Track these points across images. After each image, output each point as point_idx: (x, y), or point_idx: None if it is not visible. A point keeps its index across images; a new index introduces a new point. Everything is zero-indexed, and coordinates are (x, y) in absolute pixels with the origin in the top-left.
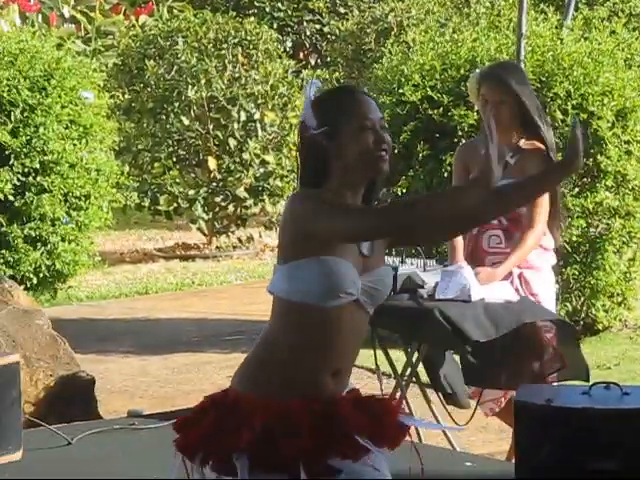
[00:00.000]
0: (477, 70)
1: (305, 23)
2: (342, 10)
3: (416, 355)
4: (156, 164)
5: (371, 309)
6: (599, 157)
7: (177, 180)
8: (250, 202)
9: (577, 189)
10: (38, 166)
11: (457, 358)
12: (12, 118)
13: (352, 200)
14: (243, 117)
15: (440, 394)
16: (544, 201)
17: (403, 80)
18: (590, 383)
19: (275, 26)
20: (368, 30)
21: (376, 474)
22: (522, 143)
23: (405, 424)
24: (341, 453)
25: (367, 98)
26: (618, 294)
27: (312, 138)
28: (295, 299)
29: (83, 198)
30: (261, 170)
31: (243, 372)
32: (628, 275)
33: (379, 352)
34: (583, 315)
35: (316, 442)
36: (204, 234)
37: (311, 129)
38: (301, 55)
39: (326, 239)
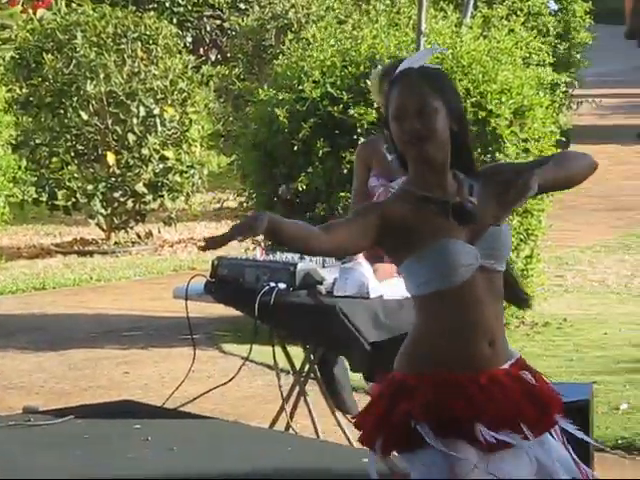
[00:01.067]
0: (379, 66)
1: (205, 19)
2: (242, 6)
3: (314, 352)
4: (54, 159)
5: (501, 266)
6: (497, 155)
7: (75, 175)
8: (149, 198)
9: None
10: None
11: (347, 364)
12: None
13: (438, 182)
14: (142, 112)
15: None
16: None
17: (303, 76)
18: None
19: (175, 21)
20: (268, 26)
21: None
22: None
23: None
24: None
25: (409, 81)
26: None
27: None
28: (424, 292)
29: None
30: (160, 166)
31: (404, 356)
32: (526, 272)
33: (278, 348)
34: None
35: (486, 411)
36: (102, 229)
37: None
38: (201, 51)
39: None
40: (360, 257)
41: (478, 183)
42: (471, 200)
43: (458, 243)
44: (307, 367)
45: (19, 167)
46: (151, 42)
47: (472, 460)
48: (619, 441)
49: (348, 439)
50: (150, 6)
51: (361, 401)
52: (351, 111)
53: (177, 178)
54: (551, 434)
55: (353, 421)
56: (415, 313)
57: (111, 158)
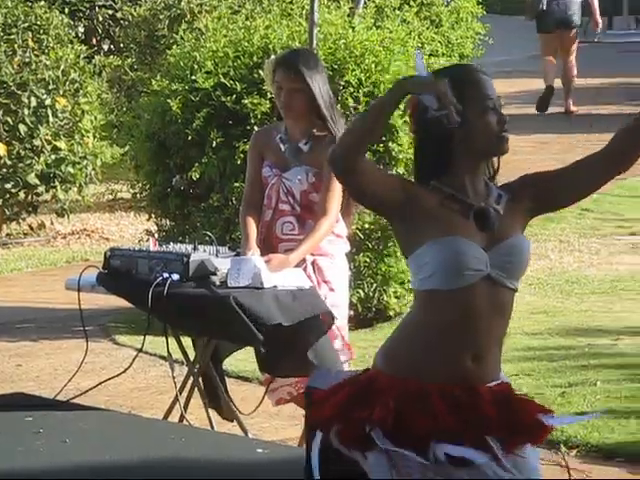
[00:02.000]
0: (273, 56)
1: (97, 8)
2: None
3: (207, 343)
4: None
5: (512, 283)
6: (390, 145)
7: None
8: (41, 189)
9: None
10: None
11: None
12: None
13: (472, 185)
14: (34, 103)
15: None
16: (337, 188)
17: (196, 67)
18: None
19: (66, 11)
20: (161, 16)
21: (502, 475)
22: (315, 130)
23: (547, 424)
24: (472, 446)
25: (485, 77)
26: (409, 281)
27: (435, 119)
28: (424, 287)
29: None
30: (53, 157)
31: (384, 351)
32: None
33: (171, 339)
34: (375, 302)
35: (449, 428)
36: None
37: (431, 110)
38: (93, 41)
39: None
40: (255, 247)
41: (507, 195)
42: (496, 208)
43: (471, 245)
44: (201, 358)
45: None
46: (42, 32)
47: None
48: None
49: (243, 429)
50: None
51: (256, 392)
52: (244, 101)
53: (70, 169)
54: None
55: (309, 398)
56: (412, 310)
57: (2, 149)
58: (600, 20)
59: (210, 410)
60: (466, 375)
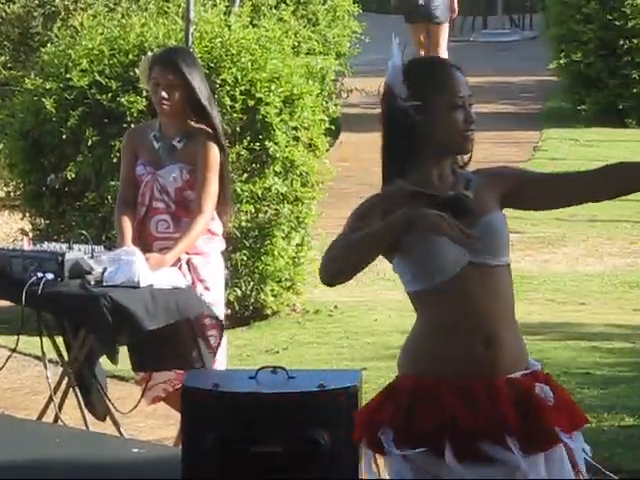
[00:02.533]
0: (149, 53)
1: None
2: None
3: (82, 343)
4: None
5: (498, 260)
6: (267, 143)
7: None
8: None
9: (246, 175)
10: None
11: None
12: None
13: (439, 177)
14: None
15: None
16: (213, 186)
17: (71, 65)
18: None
19: None
20: (35, 13)
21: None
22: (191, 127)
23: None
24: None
25: (459, 74)
26: (286, 279)
27: (402, 109)
28: (413, 289)
29: None
30: None
31: (402, 354)
32: (297, 260)
33: (46, 339)
34: (252, 300)
35: (462, 423)
36: None
37: (399, 98)
38: None
39: None
40: (131, 245)
41: (479, 179)
42: (465, 193)
43: (442, 240)
44: (75, 358)
45: None
46: None
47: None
48: None
49: (118, 429)
50: None
51: (132, 392)
52: (120, 99)
53: None
54: (571, 460)
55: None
56: (416, 311)
57: None
58: (457, 7)
59: (85, 410)
60: (481, 362)
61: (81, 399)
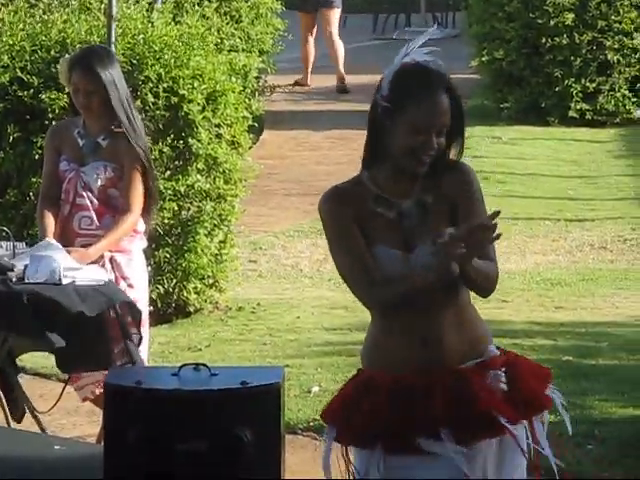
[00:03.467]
0: (67, 55)
1: None
2: None
3: (5, 341)
4: None
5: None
6: (190, 140)
7: None
8: None
9: (169, 172)
10: None
11: None
12: None
13: (396, 182)
14: None
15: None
16: (139, 183)
17: None
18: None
19: None
20: None
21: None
22: (114, 127)
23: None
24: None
25: (442, 99)
26: (209, 276)
27: (376, 105)
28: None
29: None
30: None
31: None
32: (219, 257)
33: None
34: (175, 297)
35: (393, 417)
36: None
37: (380, 95)
38: None
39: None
40: (53, 241)
41: (435, 189)
42: (424, 200)
43: (390, 252)
44: None
45: None
46: None
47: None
48: (311, 423)
49: (40, 426)
50: None
51: (54, 389)
52: (42, 96)
53: None
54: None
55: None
56: None
57: None
58: None
59: (6, 407)
60: (419, 360)
61: (2, 397)
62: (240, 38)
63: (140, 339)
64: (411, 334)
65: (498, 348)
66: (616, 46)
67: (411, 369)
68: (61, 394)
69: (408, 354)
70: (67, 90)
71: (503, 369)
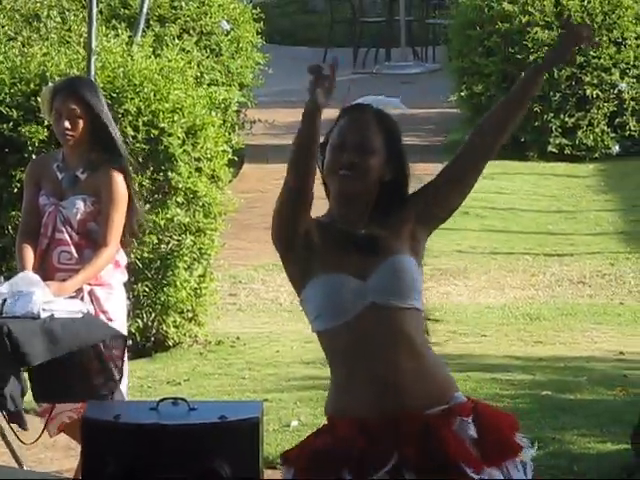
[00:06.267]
0: (50, 84)
1: None
2: None
3: None
4: None
5: (403, 302)
6: (170, 174)
7: None
8: None
9: (148, 205)
10: None
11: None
12: None
13: (348, 209)
14: None
15: (4, 412)
16: (118, 218)
17: None
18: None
19: None
20: None
21: None
22: (95, 157)
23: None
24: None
25: (357, 118)
26: (189, 310)
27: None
28: (317, 329)
29: None
30: None
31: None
32: (199, 291)
33: None
34: (154, 331)
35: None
36: None
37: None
38: None
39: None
40: (31, 274)
41: (391, 217)
42: (373, 233)
43: (344, 278)
44: None
45: None
46: None
47: None
48: None
49: (17, 460)
50: None
51: (33, 423)
52: (21, 129)
53: None
54: None
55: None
56: None
57: None
58: None
59: None
60: (380, 407)
61: None
62: (220, 72)
63: (121, 373)
64: (372, 380)
65: (466, 396)
66: (595, 81)
67: (376, 415)
68: (44, 428)
69: (371, 399)
70: (47, 123)
71: (471, 416)
